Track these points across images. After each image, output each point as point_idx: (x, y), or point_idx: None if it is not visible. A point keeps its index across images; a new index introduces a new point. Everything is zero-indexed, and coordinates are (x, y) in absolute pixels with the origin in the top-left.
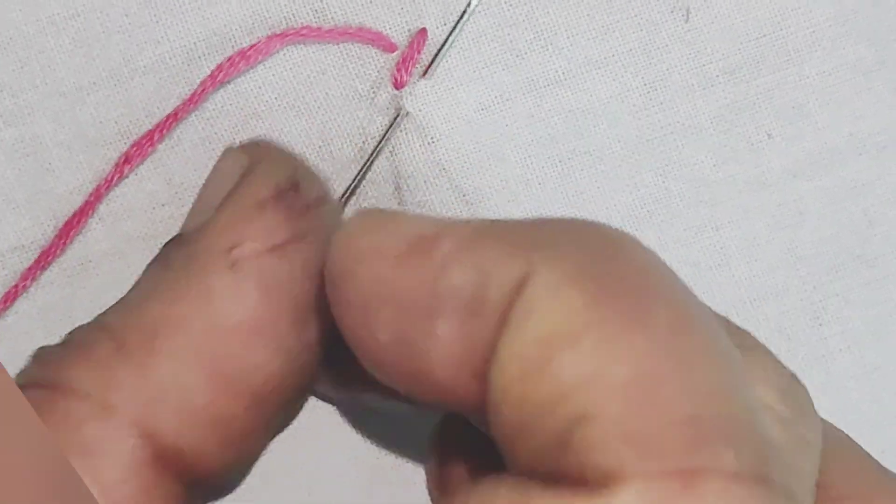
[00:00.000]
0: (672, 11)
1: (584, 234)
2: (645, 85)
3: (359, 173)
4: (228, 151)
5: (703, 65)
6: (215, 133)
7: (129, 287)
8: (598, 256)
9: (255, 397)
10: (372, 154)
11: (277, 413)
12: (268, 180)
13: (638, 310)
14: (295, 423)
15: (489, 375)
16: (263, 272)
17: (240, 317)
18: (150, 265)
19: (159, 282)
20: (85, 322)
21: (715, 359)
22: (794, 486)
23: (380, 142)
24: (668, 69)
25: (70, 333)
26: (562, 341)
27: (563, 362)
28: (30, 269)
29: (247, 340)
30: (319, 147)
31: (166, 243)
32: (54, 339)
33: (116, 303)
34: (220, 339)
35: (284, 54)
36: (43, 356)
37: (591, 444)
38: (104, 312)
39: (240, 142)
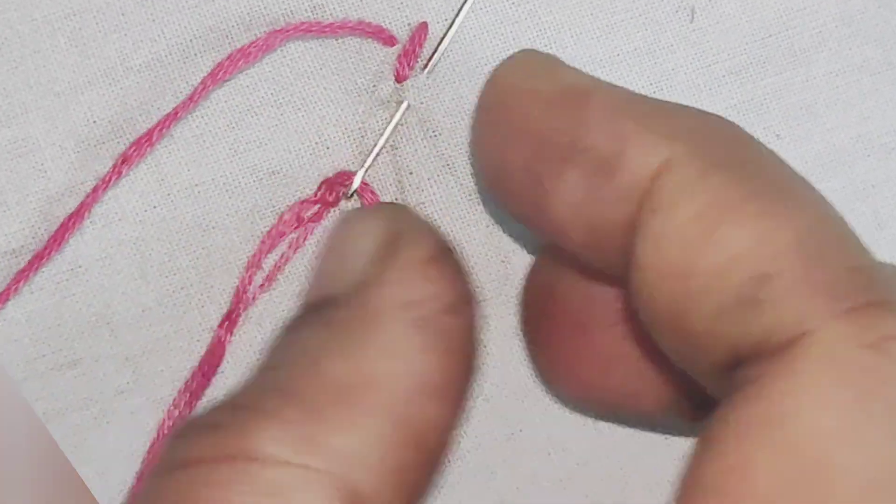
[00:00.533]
0: (677, 11)
1: (719, 127)
2: (650, 85)
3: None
4: (355, 214)
5: (709, 65)
6: (210, 129)
7: (121, 293)
8: (734, 147)
9: (434, 451)
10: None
11: (443, 463)
12: (427, 240)
13: (784, 185)
14: None
15: (636, 253)
16: (444, 330)
17: (428, 375)
18: (297, 328)
19: (330, 342)
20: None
21: (840, 220)
22: None
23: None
24: (673, 69)
25: (228, 401)
26: (721, 215)
27: (728, 232)
28: (21, 271)
29: (433, 397)
30: (317, 143)
31: (309, 307)
32: (41, 347)
33: (269, 369)
34: (409, 396)
35: (282, 49)
36: (214, 427)
37: (778, 298)
38: (260, 377)
39: (369, 207)
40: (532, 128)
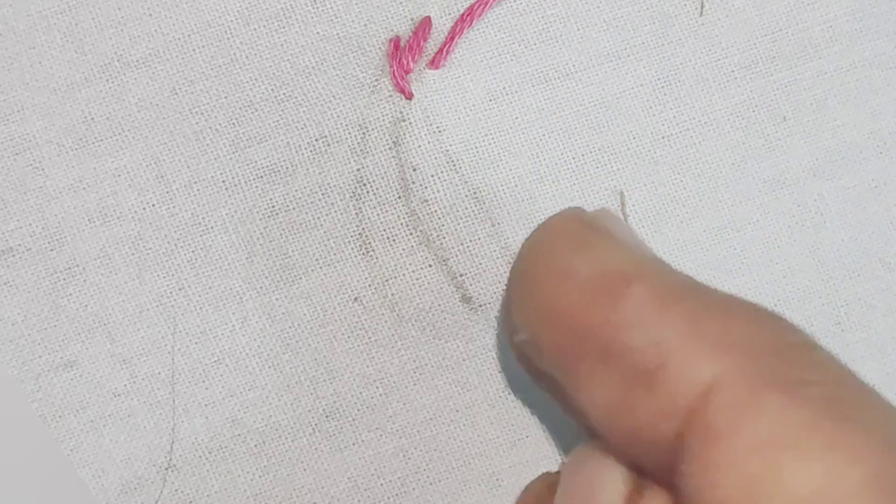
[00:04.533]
0: (685, 4)
1: (773, 330)
2: (659, 79)
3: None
4: (595, 459)
5: (719, 59)
6: (210, 126)
7: (118, 293)
8: (791, 356)
9: None
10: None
11: None
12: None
13: (848, 403)
14: (294, 450)
15: (684, 481)
16: None
17: None
18: None
19: None
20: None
21: None
22: None
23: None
24: (682, 63)
25: None
26: (785, 448)
27: (795, 470)
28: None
29: None
30: (318, 138)
31: None
32: (37, 348)
33: None
34: None
35: (282, 43)
36: None
37: None
38: None
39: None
40: (566, 314)
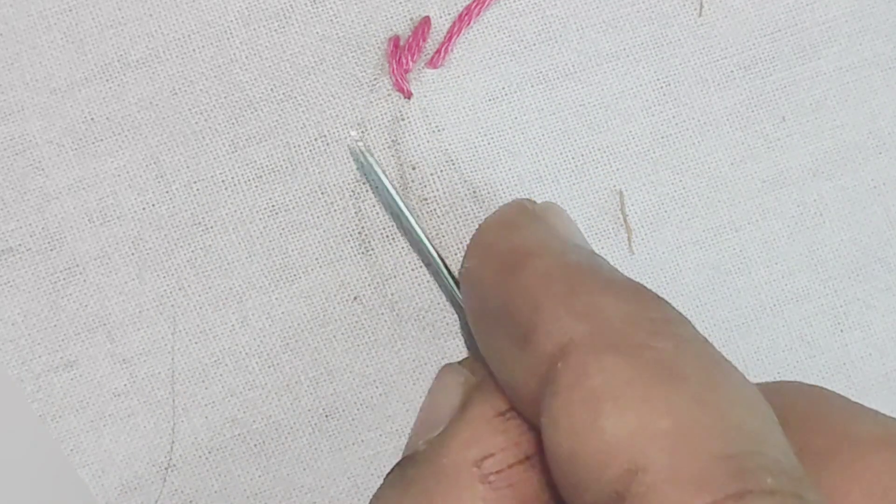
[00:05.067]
0: (684, 5)
1: (642, 304)
2: (658, 80)
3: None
4: (448, 368)
5: (717, 59)
6: (209, 126)
7: (118, 293)
8: (648, 326)
9: None
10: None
11: None
12: (498, 395)
13: (680, 369)
14: (294, 449)
15: (542, 434)
16: (517, 483)
17: None
18: (383, 490)
19: (403, 498)
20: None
21: (744, 405)
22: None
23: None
24: (681, 64)
25: None
26: (605, 401)
27: (608, 420)
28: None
29: None
30: (317, 138)
31: (396, 465)
32: (37, 348)
33: None
34: None
35: (281, 43)
36: None
37: (644, 493)
38: None
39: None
40: (480, 281)
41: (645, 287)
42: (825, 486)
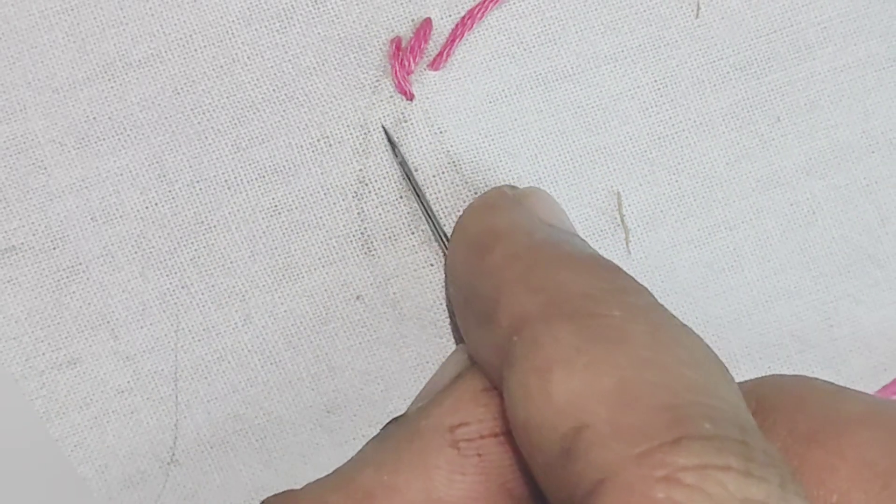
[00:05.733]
0: (681, 7)
1: (595, 274)
2: (655, 81)
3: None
4: (460, 346)
5: (714, 61)
6: (212, 126)
7: (121, 291)
8: (599, 294)
9: None
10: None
11: None
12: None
13: (621, 337)
14: (296, 445)
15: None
16: (486, 455)
17: (457, 493)
18: (366, 444)
19: (375, 454)
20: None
21: (690, 362)
22: (774, 453)
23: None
24: (678, 65)
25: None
26: (555, 367)
27: (557, 385)
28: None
29: None
30: (319, 139)
31: (387, 423)
32: (40, 345)
33: (330, 473)
34: None
35: (284, 43)
36: None
37: (588, 448)
38: (317, 480)
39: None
40: (455, 262)
41: (604, 260)
42: (812, 465)
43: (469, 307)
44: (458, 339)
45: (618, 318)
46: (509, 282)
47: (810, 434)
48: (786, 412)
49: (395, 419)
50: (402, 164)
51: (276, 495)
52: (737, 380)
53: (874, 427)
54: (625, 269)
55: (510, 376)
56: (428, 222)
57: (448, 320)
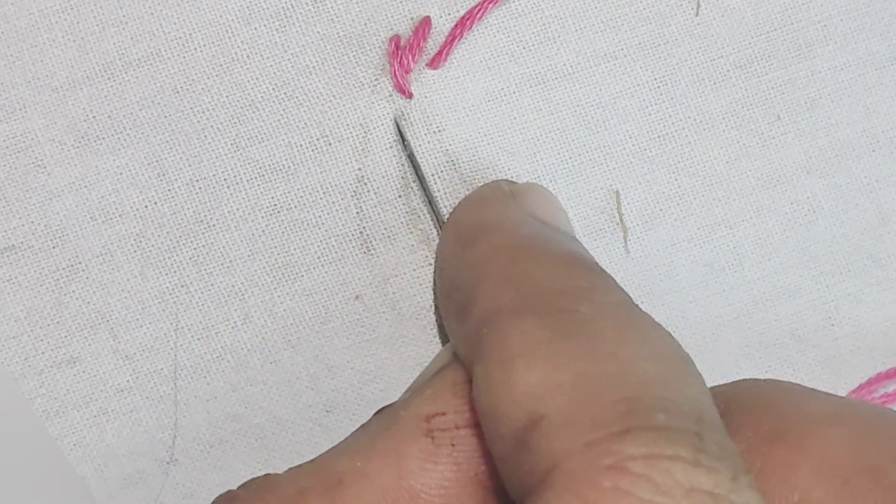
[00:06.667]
0: (681, 5)
1: (564, 276)
2: (655, 79)
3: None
4: (449, 344)
5: (714, 59)
6: (212, 125)
7: (121, 290)
8: (565, 287)
9: None
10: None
11: None
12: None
13: (581, 327)
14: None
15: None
16: (459, 445)
17: (429, 481)
18: (353, 431)
19: (353, 441)
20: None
21: (653, 358)
22: (731, 447)
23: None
24: (678, 63)
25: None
26: (517, 359)
27: (518, 377)
28: None
29: (430, 502)
30: (319, 137)
31: (374, 413)
32: (39, 344)
33: (310, 460)
34: (404, 497)
35: (283, 42)
36: (229, 496)
37: (542, 438)
38: (297, 466)
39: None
40: (441, 254)
41: (584, 259)
42: (775, 464)
43: (450, 299)
44: (444, 336)
45: (584, 314)
46: (487, 275)
47: (774, 433)
48: (753, 413)
49: (380, 410)
50: (411, 157)
51: (255, 479)
52: (736, 380)
53: (837, 425)
54: (624, 268)
55: (477, 368)
56: (433, 218)
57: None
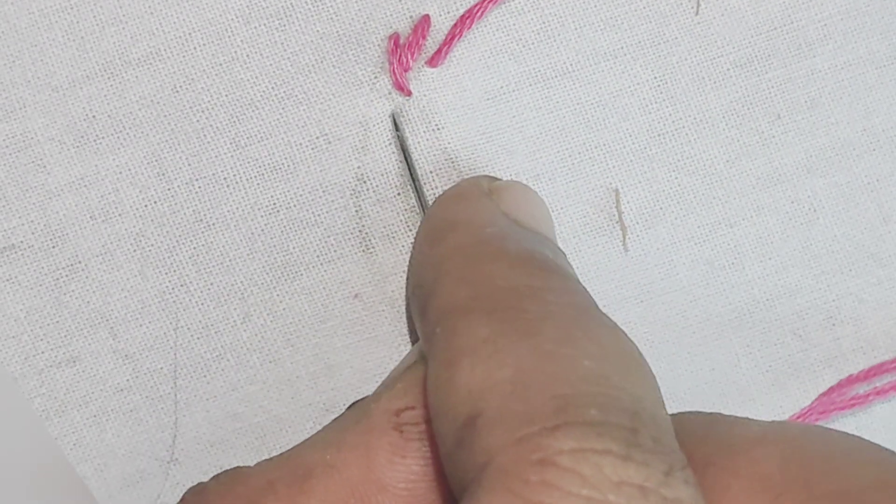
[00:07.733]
0: (681, 3)
1: (519, 276)
2: (655, 78)
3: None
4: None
5: (714, 58)
6: (211, 124)
7: (120, 289)
8: (520, 285)
9: None
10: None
11: None
12: None
13: (527, 325)
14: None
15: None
16: (427, 440)
17: (397, 475)
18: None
19: (325, 432)
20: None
21: (597, 356)
22: (669, 443)
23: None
24: (678, 62)
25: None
26: (462, 359)
27: (461, 376)
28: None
29: (398, 495)
30: (318, 136)
31: (347, 407)
32: (39, 343)
33: (281, 453)
34: (373, 490)
35: (282, 41)
36: (199, 489)
37: (478, 435)
38: (267, 458)
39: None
40: (414, 250)
41: (544, 258)
42: (707, 487)
43: (414, 296)
44: (415, 333)
45: (532, 314)
46: (446, 273)
47: (705, 459)
48: (686, 443)
49: (353, 403)
50: (404, 151)
51: (226, 471)
52: (680, 412)
53: (768, 445)
54: (623, 266)
55: (429, 367)
56: (421, 209)
57: None
